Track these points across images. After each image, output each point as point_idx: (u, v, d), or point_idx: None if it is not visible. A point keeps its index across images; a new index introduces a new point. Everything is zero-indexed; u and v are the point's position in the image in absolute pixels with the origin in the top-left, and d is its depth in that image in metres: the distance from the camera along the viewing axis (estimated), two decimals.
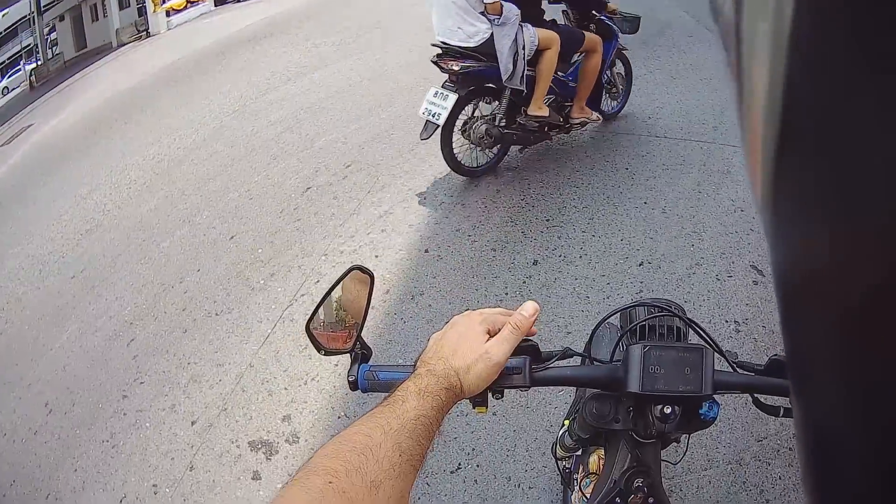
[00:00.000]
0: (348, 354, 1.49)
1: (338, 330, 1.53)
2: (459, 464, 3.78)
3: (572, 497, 2.54)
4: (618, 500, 1.70)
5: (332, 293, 1.52)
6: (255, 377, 4.64)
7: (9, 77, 28.33)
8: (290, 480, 0.97)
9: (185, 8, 28.49)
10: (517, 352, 1.43)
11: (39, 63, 28.29)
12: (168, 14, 27.28)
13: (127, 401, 4.89)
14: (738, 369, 1.59)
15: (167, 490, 4.11)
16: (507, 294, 4.88)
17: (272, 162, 7.69)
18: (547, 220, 5.73)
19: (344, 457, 1.01)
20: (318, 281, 5.42)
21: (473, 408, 1.44)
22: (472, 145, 6.22)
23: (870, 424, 0.53)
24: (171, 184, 8.13)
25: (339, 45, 13.23)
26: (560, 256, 5.25)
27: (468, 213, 5.94)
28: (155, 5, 26.91)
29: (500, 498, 3.62)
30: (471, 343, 1.37)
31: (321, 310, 1.52)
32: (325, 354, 1.49)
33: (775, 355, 1.54)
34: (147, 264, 6.55)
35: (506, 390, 1.44)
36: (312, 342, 1.49)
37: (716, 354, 1.52)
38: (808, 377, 0.62)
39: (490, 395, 1.43)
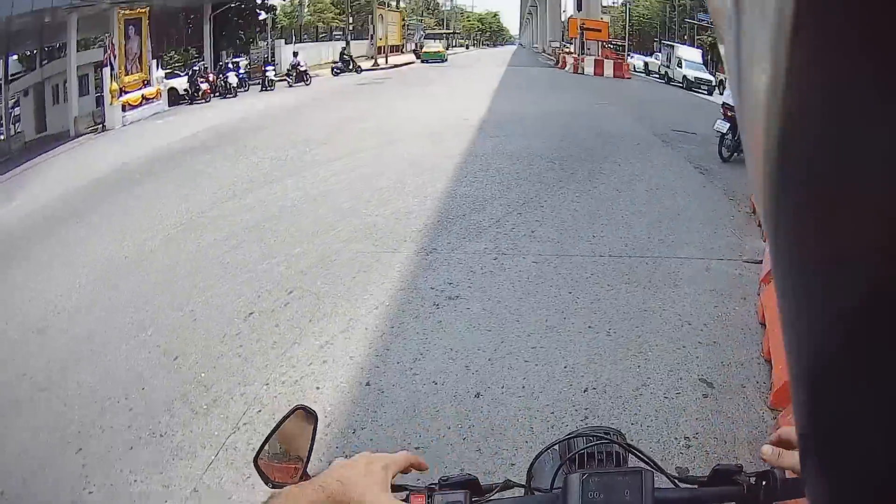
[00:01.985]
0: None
1: (284, 465, 1.58)
2: None
3: None
4: None
5: (278, 430, 1.60)
6: (200, 503, 4.59)
7: None
8: None
9: (140, 104, 28.56)
10: (456, 486, 1.51)
11: (2, 138, 28.11)
12: (124, 109, 27.27)
13: None
14: (680, 484, 1.63)
15: None
16: (449, 428, 4.86)
17: (216, 283, 7.73)
18: (490, 351, 5.77)
19: None
20: (259, 410, 5.39)
21: None
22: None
23: None
24: (119, 295, 8.08)
25: (284, 161, 13.63)
26: (502, 388, 5.27)
27: (410, 345, 5.96)
28: (112, 97, 26.94)
29: None
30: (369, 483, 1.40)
31: (268, 445, 1.58)
32: (272, 487, 1.50)
33: (718, 465, 1.59)
34: (94, 375, 6.44)
35: None
36: (260, 475, 1.54)
37: (657, 472, 1.55)
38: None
39: None
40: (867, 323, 0.45)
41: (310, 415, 1.62)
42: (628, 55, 60.82)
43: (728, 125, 13.90)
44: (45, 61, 34.34)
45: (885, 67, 0.37)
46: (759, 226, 8.37)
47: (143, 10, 30.60)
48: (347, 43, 58.69)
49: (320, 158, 13.43)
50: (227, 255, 8.49)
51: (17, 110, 30.47)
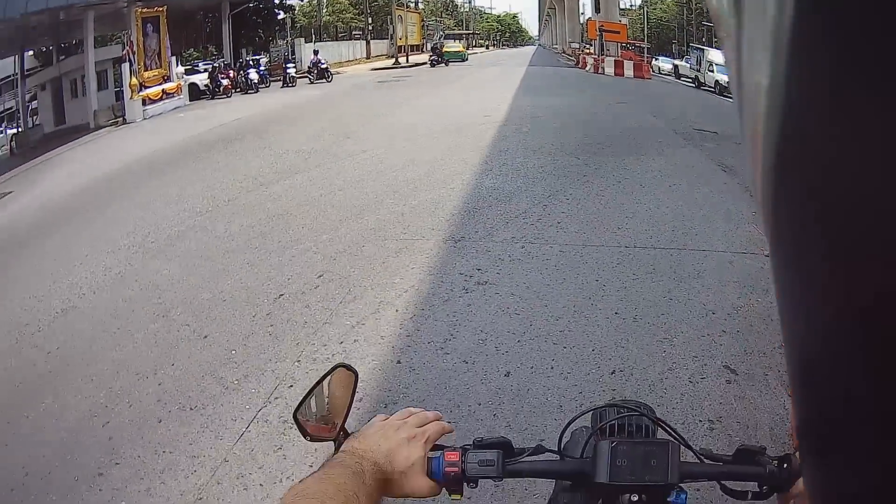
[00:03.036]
0: (332, 442, 1.60)
1: (323, 420, 1.65)
2: None
3: None
4: None
5: (319, 386, 1.66)
6: (231, 472, 4.61)
7: None
8: None
9: (161, 99, 28.83)
10: (491, 445, 1.60)
11: (20, 130, 28.05)
12: (144, 103, 27.46)
13: (103, 479, 4.81)
14: (705, 460, 1.68)
15: None
16: (479, 405, 4.89)
17: (245, 266, 7.78)
18: (519, 334, 5.79)
19: None
20: (291, 385, 5.41)
21: (450, 495, 1.57)
22: None
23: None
24: (146, 277, 8.17)
25: (309, 153, 13.66)
26: (532, 368, 5.28)
27: (440, 326, 6.00)
28: (132, 92, 27.09)
29: None
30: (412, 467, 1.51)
31: (308, 401, 1.64)
32: (310, 440, 1.62)
33: (742, 445, 1.66)
34: (122, 352, 6.51)
35: (480, 480, 1.57)
36: (299, 428, 1.61)
37: (683, 448, 1.63)
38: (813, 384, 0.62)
39: (465, 484, 1.56)
40: (865, 321, 0.48)
41: (350, 373, 1.69)
42: (654, 58, 60.34)
43: None
44: (62, 57, 34.53)
45: (884, 67, 0.39)
46: None
47: (161, 9, 30.92)
48: (368, 42, 59.73)
49: (346, 151, 13.49)
50: (256, 241, 8.56)
51: (34, 104, 30.61)
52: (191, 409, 5.40)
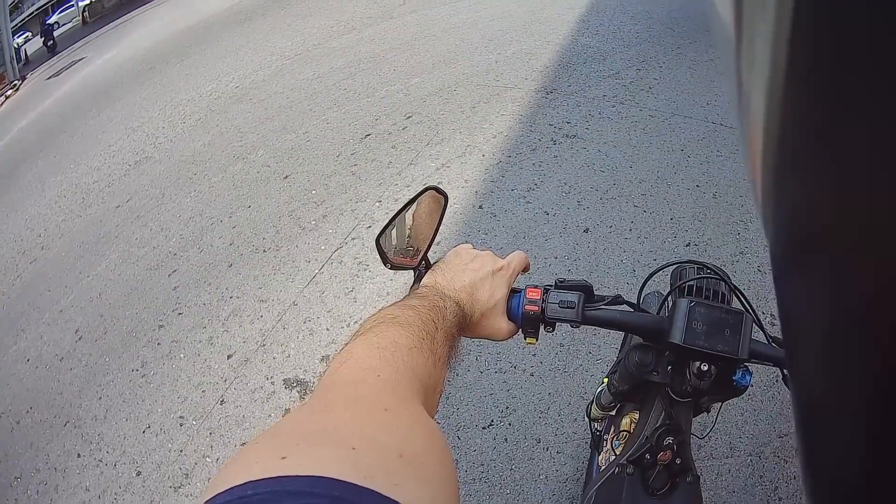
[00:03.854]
0: (412, 271, 1.54)
1: (405, 247, 1.57)
2: (492, 420, 3.79)
3: (599, 458, 2.55)
4: (647, 456, 1.79)
5: (405, 210, 1.57)
6: (298, 316, 4.62)
7: (60, 13, 28.37)
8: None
9: None
10: (572, 287, 1.56)
11: (93, 0, 28.16)
12: None
13: (163, 331, 4.92)
14: (773, 344, 1.65)
15: (194, 423, 4.13)
16: (556, 258, 4.81)
17: (332, 107, 7.65)
18: (602, 191, 5.64)
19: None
20: (370, 226, 5.38)
21: (525, 338, 1.52)
22: None
23: (857, 403, 0.57)
24: (227, 121, 8.14)
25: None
26: (610, 227, 5.17)
27: (525, 174, 5.86)
28: None
29: (528, 459, 3.62)
30: (495, 308, 1.44)
31: (392, 226, 1.56)
32: (390, 268, 1.54)
33: None
34: (196, 198, 6.55)
35: (558, 324, 1.52)
36: (380, 255, 1.53)
37: (754, 326, 1.58)
38: (803, 365, 0.66)
39: (542, 326, 1.52)
40: (864, 317, 0.51)
41: (440, 196, 1.58)
42: None
43: None
44: None
45: (882, 69, 0.39)
46: None
47: None
48: None
49: None
50: (345, 83, 8.44)
51: None
52: (264, 251, 5.45)
